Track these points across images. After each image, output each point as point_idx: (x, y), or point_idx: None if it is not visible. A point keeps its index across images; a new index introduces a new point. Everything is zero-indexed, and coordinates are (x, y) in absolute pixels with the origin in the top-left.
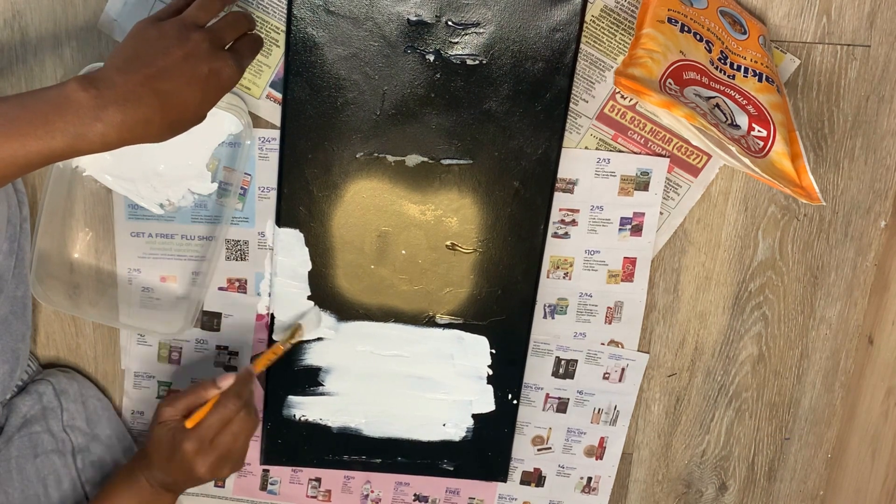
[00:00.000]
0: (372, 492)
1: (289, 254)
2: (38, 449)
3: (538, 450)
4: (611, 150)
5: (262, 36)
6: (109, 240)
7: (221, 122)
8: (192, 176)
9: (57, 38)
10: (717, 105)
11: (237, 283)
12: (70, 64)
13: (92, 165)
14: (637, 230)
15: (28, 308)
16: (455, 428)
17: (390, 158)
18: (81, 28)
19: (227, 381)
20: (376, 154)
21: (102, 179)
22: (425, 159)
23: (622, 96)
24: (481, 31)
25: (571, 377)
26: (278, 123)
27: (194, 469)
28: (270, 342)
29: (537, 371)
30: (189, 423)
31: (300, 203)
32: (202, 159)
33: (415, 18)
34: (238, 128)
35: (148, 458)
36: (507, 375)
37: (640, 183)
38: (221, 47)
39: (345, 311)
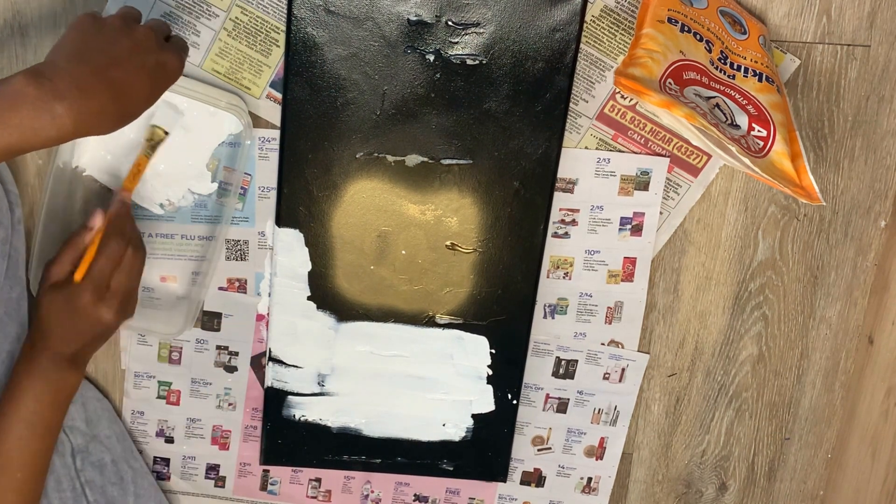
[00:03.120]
0: (372, 492)
1: (289, 254)
2: None
3: (538, 450)
4: (611, 150)
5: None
6: None
7: (221, 122)
8: (192, 176)
9: (57, 37)
10: (717, 105)
11: (237, 283)
12: None
13: (92, 165)
14: (637, 230)
15: (23, 309)
16: (455, 428)
17: (390, 158)
18: None
19: (99, 218)
20: (376, 154)
21: (102, 179)
22: (425, 159)
23: (622, 96)
24: (481, 30)
25: (571, 377)
26: (278, 123)
27: (101, 319)
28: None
29: (537, 371)
30: (77, 276)
31: (300, 203)
32: (202, 159)
33: (415, 18)
34: (238, 128)
35: (44, 334)
36: (506, 375)
37: (640, 183)
38: (164, 40)
39: (345, 311)
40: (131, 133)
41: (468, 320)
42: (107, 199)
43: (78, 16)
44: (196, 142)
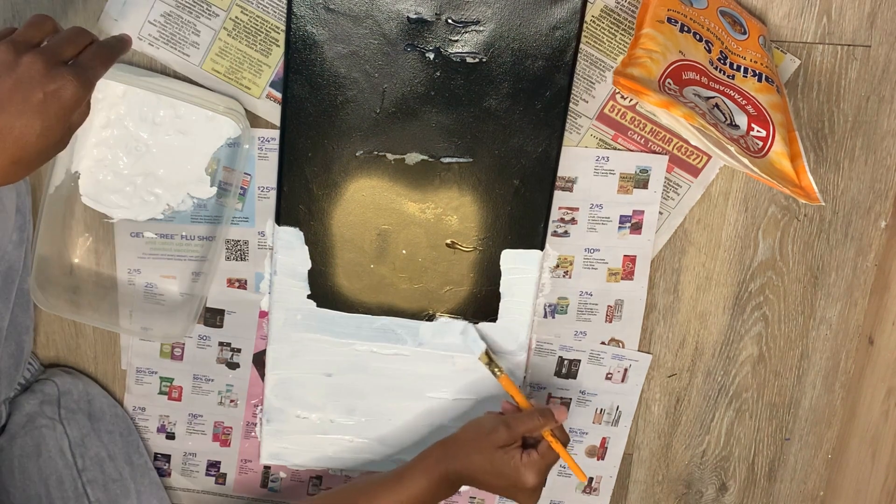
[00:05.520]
0: None
1: (289, 252)
2: (41, 448)
3: None
4: (610, 149)
5: (127, 38)
6: (109, 241)
7: (219, 126)
8: (191, 181)
9: None
10: (717, 105)
11: (237, 284)
12: None
13: (87, 190)
14: (637, 228)
15: (31, 302)
16: (455, 428)
17: (390, 156)
18: None
19: (564, 414)
20: (376, 152)
21: (97, 207)
22: (425, 157)
23: (622, 96)
24: (481, 28)
25: (574, 377)
26: (278, 123)
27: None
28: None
29: (540, 371)
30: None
31: (300, 201)
32: (201, 164)
33: (414, 16)
34: (236, 132)
35: (461, 462)
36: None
37: (640, 180)
38: (59, 64)
39: (345, 309)
40: (126, 157)
41: (468, 319)
42: (102, 227)
43: None
44: (194, 147)
